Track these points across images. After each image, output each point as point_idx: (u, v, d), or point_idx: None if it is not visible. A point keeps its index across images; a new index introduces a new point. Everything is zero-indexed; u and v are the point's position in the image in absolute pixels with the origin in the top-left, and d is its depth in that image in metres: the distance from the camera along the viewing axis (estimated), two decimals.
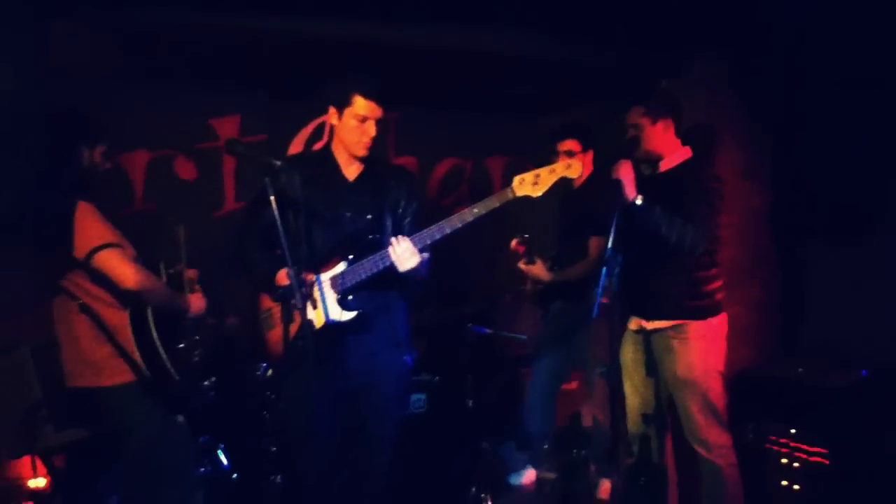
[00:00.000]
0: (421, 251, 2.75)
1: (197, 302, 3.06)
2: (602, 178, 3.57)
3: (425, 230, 2.77)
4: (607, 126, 3.94)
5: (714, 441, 3.22)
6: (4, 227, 2.45)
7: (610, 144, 3.90)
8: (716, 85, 4.18)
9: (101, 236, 2.69)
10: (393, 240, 2.73)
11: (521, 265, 4.08)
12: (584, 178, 4.10)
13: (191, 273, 3.14)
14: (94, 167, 2.87)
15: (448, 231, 2.73)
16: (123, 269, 2.68)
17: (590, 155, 4.10)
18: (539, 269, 4.06)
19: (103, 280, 2.71)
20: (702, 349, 3.20)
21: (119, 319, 2.76)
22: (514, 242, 4.12)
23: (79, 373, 2.81)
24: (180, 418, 2.95)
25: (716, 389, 3.23)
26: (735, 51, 4.08)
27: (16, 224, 2.48)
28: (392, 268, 2.76)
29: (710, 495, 3.28)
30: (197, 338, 3.07)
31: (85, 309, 2.75)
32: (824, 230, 4.06)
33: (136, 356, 2.75)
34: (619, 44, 4.07)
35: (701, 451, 3.24)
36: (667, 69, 4.28)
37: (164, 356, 2.81)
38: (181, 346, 2.96)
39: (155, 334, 2.80)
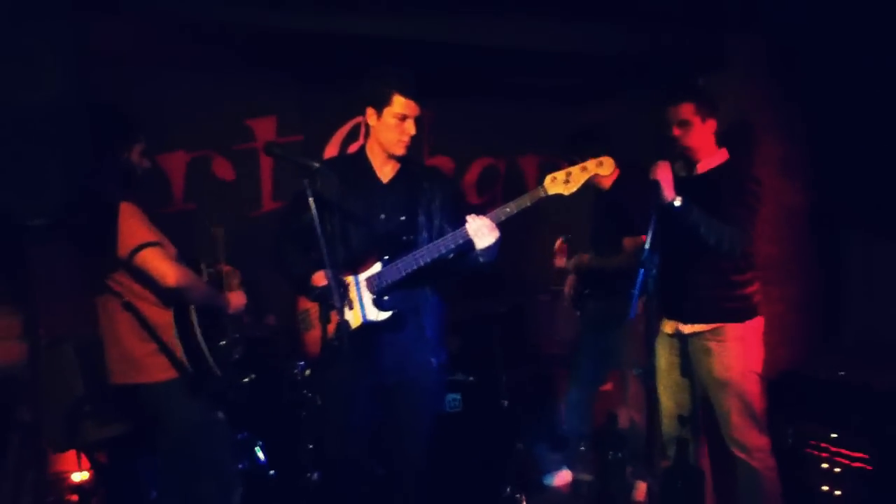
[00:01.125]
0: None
1: (237, 299, 3.10)
2: (632, 177, 3.54)
3: (454, 232, 2.77)
4: (642, 118, 3.91)
5: (752, 444, 3.19)
6: (49, 223, 2.48)
7: (646, 137, 3.87)
8: (754, 77, 4.13)
9: (142, 235, 2.73)
10: (469, 217, 2.73)
11: (560, 262, 4.08)
12: (611, 179, 4.07)
13: (229, 270, 3.18)
14: (133, 166, 2.91)
15: (503, 218, 2.74)
16: (165, 267, 2.71)
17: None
18: (584, 258, 4.10)
19: (146, 279, 2.75)
20: (739, 351, 3.17)
21: (162, 318, 2.80)
22: (558, 242, 4.11)
23: (122, 370, 2.85)
24: (220, 414, 2.99)
25: (753, 391, 3.20)
26: (775, 40, 4.02)
27: (60, 221, 2.52)
28: (436, 261, 2.77)
29: (748, 499, 3.24)
30: (237, 336, 3.11)
31: (128, 307, 2.79)
32: (867, 224, 3.98)
33: (180, 353, 2.78)
34: (656, 34, 4.03)
35: (739, 453, 3.21)
36: (703, 59, 4.23)
37: (207, 354, 2.84)
38: (222, 343, 2.99)
39: (198, 332, 2.83)
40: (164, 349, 2.79)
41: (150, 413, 2.90)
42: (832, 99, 3.99)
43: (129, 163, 2.89)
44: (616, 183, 4.09)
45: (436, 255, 2.77)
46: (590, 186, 4.04)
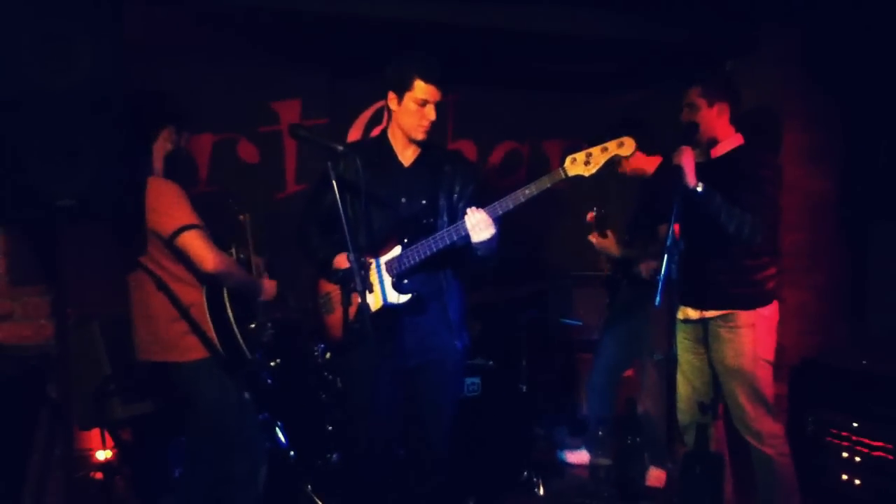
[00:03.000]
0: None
1: (269, 287, 3.12)
2: (666, 165, 3.51)
3: (455, 225, 2.77)
4: (671, 108, 3.88)
5: (765, 431, 3.18)
6: (81, 205, 2.51)
7: (673, 128, 3.85)
8: (785, 63, 4.08)
9: (187, 217, 2.75)
10: (469, 210, 2.73)
11: (592, 238, 4.05)
12: (648, 168, 4.04)
13: (258, 260, 3.21)
14: (178, 147, 2.95)
15: (500, 212, 2.72)
16: (205, 251, 2.74)
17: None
18: (610, 243, 4.05)
19: (184, 259, 2.77)
20: (750, 339, 3.15)
21: (195, 298, 2.82)
22: (590, 215, 4.08)
23: (152, 348, 2.88)
24: (247, 395, 3.03)
25: (764, 379, 3.19)
26: (808, 25, 3.97)
27: (91, 202, 2.54)
28: (445, 250, 2.77)
29: (764, 485, 3.25)
30: (266, 320, 3.14)
31: (162, 286, 2.81)
32: (894, 214, 3.94)
33: (212, 334, 2.81)
34: (686, 20, 3.99)
35: (752, 441, 3.21)
36: (735, 46, 4.19)
37: (238, 335, 2.87)
38: (252, 326, 3.02)
39: (231, 314, 2.86)
40: (197, 330, 2.81)
41: (180, 392, 2.94)
42: (863, 88, 3.94)
43: (178, 147, 2.93)
44: (657, 171, 4.05)
45: (441, 246, 2.77)
46: (632, 175, 4.05)
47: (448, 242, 2.77)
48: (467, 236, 2.73)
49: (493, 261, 2.87)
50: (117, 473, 3.67)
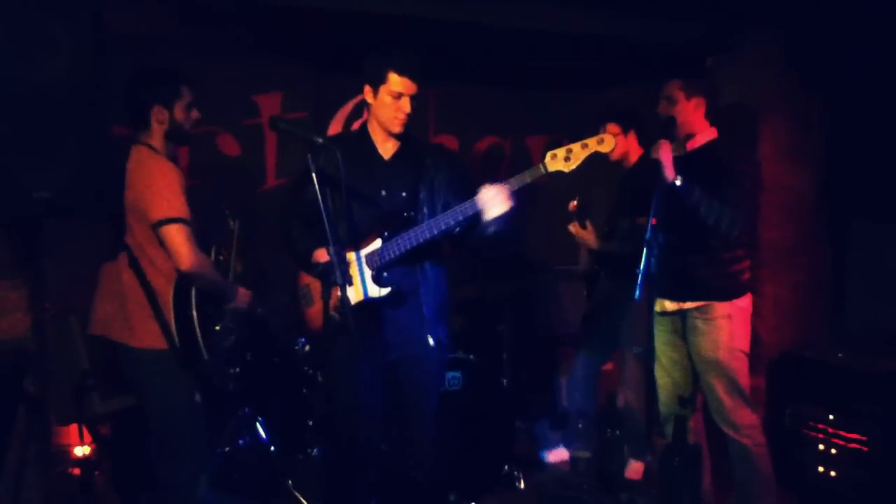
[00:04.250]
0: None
1: (242, 295, 3.06)
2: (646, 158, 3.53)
3: (463, 204, 2.78)
4: (650, 104, 3.91)
5: (741, 422, 3.21)
6: (60, 200, 2.48)
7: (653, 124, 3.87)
8: (768, 61, 4.11)
9: (178, 209, 2.71)
10: (482, 188, 2.74)
11: (572, 227, 4.06)
12: (633, 158, 4.06)
13: (238, 266, 3.18)
14: (179, 122, 2.87)
15: (516, 187, 2.74)
16: (185, 248, 2.69)
17: (632, 136, 4.05)
18: (589, 235, 4.06)
19: (163, 247, 2.73)
20: (726, 330, 3.18)
21: (164, 286, 2.77)
22: (572, 204, 4.09)
23: (112, 325, 2.82)
24: (198, 397, 2.91)
25: (740, 370, 3.22)
26: (791, 25, 4.00)
27: (71, 197, 2.51)
28: (423, 244, 2.78)
29: (741, 476, 3.28)
30: (232, 325, 3.09)
31: (135, 265, 2.76)
32: (874, 211, 3.98)
33: (172, 326, 2.76)
34: (669, 18, 4.01)
35: (729, 432, 3.24)
36: (718, 44, 4.21)
37: (198, 332, 2.81)
38: (217, 328, 2.98)
39: (194, 310, 2.81)
40: (159, 317, 2.76)
41: (128, 377, 2.88)
42: (844, 88, 3.98)
43: (174, 120, 2.86)
44: (636, 165, 4.06)
45: (443, 228, 2.77)
46: (616, 160, 4.06)
47: (452, 223, 2.77)
48: (478, 214, 2.74)
49: (505, 243, 2.88)
50: (96, 469, 3.65)
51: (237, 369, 3.75)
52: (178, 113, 2.87)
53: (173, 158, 2.88)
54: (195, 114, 2.93)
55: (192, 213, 2.77)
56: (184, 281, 2.80)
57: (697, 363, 3.28)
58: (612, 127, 3.99)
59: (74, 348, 3.34)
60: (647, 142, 4.00)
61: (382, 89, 2.83)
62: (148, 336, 2.77)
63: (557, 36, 4.02)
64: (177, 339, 2.77)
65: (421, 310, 2.94)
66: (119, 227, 2.79)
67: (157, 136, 2.85)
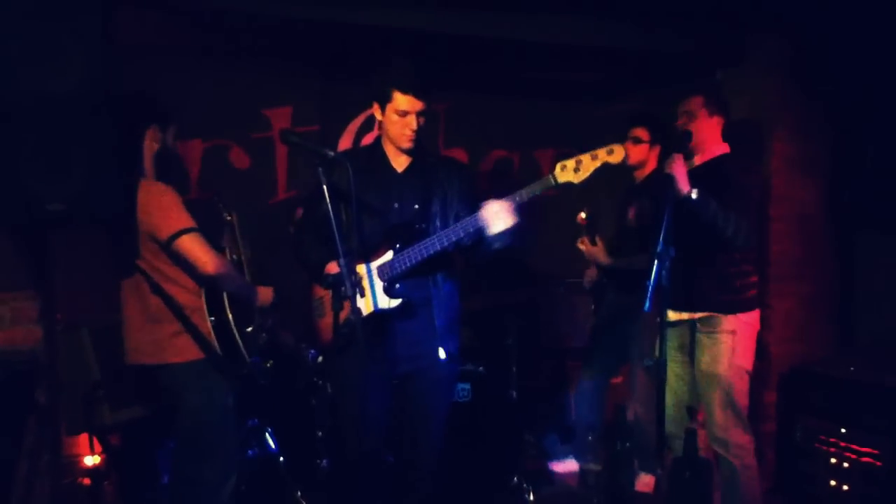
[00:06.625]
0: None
1: (265, 292, 3.10)
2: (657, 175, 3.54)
3: (468, 219, 2.78)
4: (660, 113, 3.91)
5: (732, 441, 3.19)
6: (71, 211, 2.50)
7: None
8: (774, 73, 4.12)
9: (184, 220, 2.73)
10: (487, 202, 2.74)
11: (581, 245, 4.04)
12: (647, 172, 4.05)
13: (249, 259, 3.20)
14: (169, 150, 2.92)
15: (518, 201, 2.74)
16: (204, 254, 2.72)
17: (656, 150, 4.03)
18: (599, 251, 4.02)
19: (182, 263, 2.75)
20: (729, 345, 3.17)
21: (191, 301, 2.80)
22: (580, 216, 4.07)
23: (147, 350, 2.85)
24: (230, 401, 2.98)
25: (739, 388, 3.20)
26: (797, 36, 4.00)
27: (82, 208, 2.53)
28: (444, 251, 2.79)
29: (726, 494, 3.25)
30: (262, 323, 3.13)
31: (158, 289, 2.78)
32: (882, 224, 3.97)
33: (212, 337, 2.80)
34: (675, 30, 4.02)
35: (719, 449, 3.22)
36: (725, 56, 4.22)
37: (237, 337, 2.86)
38: (249, 329, 3.01)
39: (230, 316, 2.85)
40: (191, 330, 2.79)
41: (167, 394, 2.91)
42: (851, 99, 3.98)
43: (166, 147, 2.90)
44: (646, 179, 4.05)
45: (453, 239, 2.77)
46: (622, 176, 4.05)
47: (460, 236, 2.77)
48: (482, 229, 2.74)
49: (508, 252, 2.88)
50: (105, 479, 3.65)
51: (272, 362, 3.76)
52: (170, 138, 2.92)
53: (162, 178, 2.89)
54: (175, 137, 2.98)
55: (197, 222, 2.80)
56: (213, 287, 2.83)
57: (699, 378, 3.27)
58: (643, 132, 3.97)
59: (85, 359, 3.34)
60: (667, 147, 3.99)
61: (389, 107, 2.84)
62: (184, 350, 2.81)
63: (564, 48, 4.02)
64: (217, 347, 2.81)
65: (433, 322, 2.94)
66: (130, 243, 2.81)
67: (147, 157, 2.87)
